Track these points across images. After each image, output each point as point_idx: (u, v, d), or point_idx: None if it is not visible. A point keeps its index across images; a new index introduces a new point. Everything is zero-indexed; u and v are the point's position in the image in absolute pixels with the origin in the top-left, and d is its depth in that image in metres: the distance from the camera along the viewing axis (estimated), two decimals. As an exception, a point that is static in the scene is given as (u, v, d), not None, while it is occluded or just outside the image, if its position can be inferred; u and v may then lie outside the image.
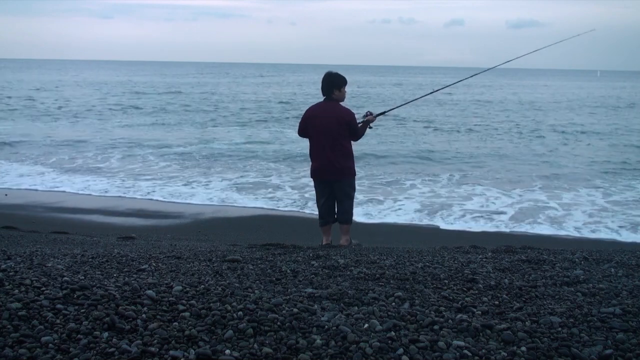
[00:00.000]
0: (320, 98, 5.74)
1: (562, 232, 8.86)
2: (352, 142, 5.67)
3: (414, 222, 9.34)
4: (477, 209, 10.17)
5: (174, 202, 10.55)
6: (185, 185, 12.10)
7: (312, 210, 9.87)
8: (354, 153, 5.79)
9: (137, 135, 20.21)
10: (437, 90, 7.00)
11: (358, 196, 8.44)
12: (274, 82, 67.12)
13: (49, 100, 34.39)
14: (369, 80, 70.59)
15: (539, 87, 64.48)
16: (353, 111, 5.67)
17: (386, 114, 6.22)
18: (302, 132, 5.71)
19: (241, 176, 13.31)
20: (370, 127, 5.86)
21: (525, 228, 9.01)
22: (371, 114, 5.82)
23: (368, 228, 8.72)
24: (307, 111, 5.69)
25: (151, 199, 10.71)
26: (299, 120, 5.77)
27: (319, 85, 5.66)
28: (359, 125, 5.73)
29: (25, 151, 16.37)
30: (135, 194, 11.12)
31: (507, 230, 8.89)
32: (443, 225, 9.17)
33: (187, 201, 10.61)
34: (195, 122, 25.34)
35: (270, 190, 11.78)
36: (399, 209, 10.15)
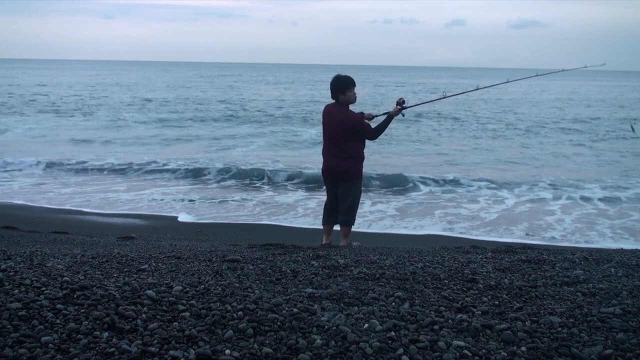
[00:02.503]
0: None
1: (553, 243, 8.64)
2: (367, 141, 5.72)
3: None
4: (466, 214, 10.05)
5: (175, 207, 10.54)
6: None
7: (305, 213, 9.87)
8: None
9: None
10: (454, 95, 6.88)
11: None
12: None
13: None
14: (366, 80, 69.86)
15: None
16: (364, 112, 5.76)
17: (407, 109, 6.01)
18: None
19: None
20: (403, 115, 5.73)
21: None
22: (403, 102, 5.70)
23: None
24: (323, 110, 5.80)
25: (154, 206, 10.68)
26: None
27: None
28: (376, 118, 5.81)
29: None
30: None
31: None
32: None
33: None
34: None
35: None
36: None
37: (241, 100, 36.77)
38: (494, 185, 12.32)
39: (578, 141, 20.84)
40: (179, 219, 9.15)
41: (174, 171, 13.71)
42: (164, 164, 14.41)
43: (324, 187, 6.03)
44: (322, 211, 6.00)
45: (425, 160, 16.13)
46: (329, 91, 5.64)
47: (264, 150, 17.63)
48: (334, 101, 5.67)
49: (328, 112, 5.69)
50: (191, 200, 10.65)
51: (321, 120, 5.79)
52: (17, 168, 13.68)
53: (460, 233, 8.59)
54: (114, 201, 10.43)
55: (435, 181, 12.71)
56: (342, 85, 5.56)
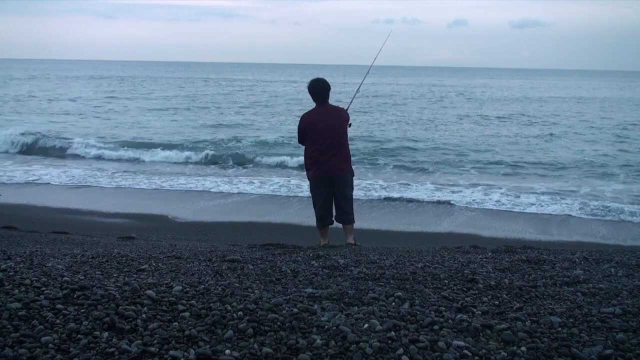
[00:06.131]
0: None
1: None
2: None
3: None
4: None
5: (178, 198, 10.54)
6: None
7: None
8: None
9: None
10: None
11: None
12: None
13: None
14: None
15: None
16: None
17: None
18: (303, 140, 5.81)
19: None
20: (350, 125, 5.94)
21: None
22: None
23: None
24: (305, 119, 5.82)
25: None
26: (297, 130, 5.90)
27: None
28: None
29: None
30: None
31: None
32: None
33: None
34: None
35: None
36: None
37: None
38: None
39: None
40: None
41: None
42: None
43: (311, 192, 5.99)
44: (316, 217, 5.98)
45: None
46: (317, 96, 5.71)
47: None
48: (315, 105, 5.74)
49: (320, 115, 5.70)
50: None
51: (305, 130, 5.75)
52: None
53: None
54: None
55: None
56: (328, 86, 5.76)
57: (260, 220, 9.25)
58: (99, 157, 16.11)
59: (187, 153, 16.29)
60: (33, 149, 17.04)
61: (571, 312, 2.66)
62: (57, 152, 16.90)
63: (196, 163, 15.54)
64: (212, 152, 16.47)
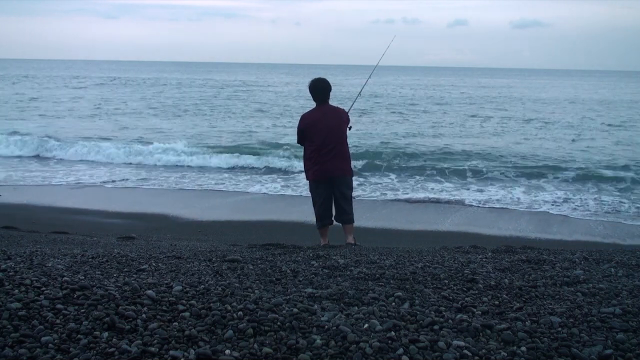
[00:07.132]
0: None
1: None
2: None
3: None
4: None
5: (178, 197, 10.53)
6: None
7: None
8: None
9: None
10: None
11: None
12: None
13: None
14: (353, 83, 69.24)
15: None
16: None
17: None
18: (302, 140, 5.80)
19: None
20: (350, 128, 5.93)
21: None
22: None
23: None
24: (305, 119, 5.82)
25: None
26: (297, 130, 5.90)
27: None
28: None
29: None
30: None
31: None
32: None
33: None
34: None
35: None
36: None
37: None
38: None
39: None
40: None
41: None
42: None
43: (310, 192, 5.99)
44: (315, 217, 5.98)
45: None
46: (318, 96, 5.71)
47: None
48: (315, 106, 5.73)
49: (320, 115, 5.71)
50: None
51: (304, 130, 5.74)
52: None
53: None
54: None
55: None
56: (329, 87, 5.75)
57: (262, 219, 9.24)
58: (90, 162, 15.94)
59: (212, 157, 15.93)
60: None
61: (571, 312, 2.66)
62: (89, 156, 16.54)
63: (218, 167, 15.23)
64: (235, 154, 16.06)
